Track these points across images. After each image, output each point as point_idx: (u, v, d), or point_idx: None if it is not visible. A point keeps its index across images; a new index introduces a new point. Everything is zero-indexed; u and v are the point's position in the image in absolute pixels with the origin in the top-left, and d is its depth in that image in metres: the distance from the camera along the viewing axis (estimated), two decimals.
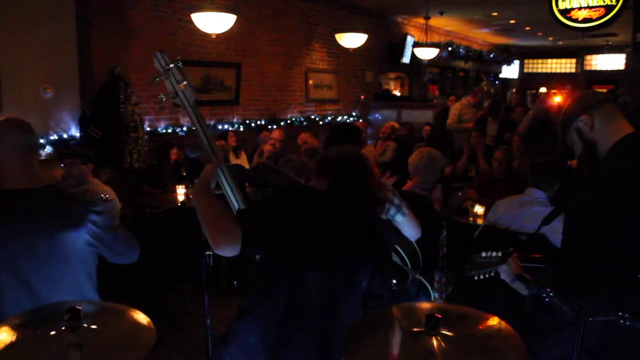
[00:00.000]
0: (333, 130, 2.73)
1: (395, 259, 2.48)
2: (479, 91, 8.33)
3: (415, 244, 2.68)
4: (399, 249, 2.62)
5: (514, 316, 1.84)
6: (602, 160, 1.82)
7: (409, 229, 2.50)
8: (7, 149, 1.88)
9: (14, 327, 1.48)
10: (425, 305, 1.68)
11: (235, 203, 1.83)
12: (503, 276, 1.88)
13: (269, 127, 7.12)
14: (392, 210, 2.41)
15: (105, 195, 2.59)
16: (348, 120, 9.10)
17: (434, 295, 2.67)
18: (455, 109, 8.02)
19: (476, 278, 1.98)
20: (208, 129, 1.82)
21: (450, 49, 11.68)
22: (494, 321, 1.50)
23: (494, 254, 1.98)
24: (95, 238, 1.95)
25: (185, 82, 1.74)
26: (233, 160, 5.61)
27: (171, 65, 1.73)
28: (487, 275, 1.98)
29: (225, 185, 1.82)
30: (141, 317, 1.58)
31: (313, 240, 1.69)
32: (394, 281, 2.55)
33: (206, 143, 1.81)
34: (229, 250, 1.63)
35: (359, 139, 2.69)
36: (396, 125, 7.23)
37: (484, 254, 1.99)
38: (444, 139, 7.83)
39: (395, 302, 2.33)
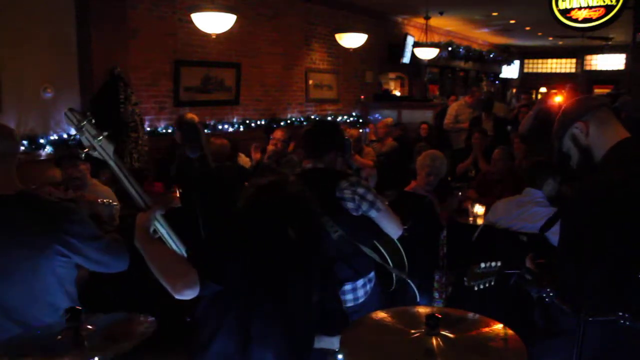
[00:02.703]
0: (307, 134, 2.59)
1: (374, 256, 2.45)
2: (476, 91, 8.32)
3: (397, 243, 2.66)
4: (379, 246, 2.60)
5: (514, 317, 1.84)
6: (598, 166, 1.82)
7: (387, 225, 2.49)
8: None
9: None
10: (425, 308, 1.68)
11: (176, 249, 1.81)
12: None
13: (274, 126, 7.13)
14: (365, 206, 2.40)
15: (108, 200, 2.57)
16: (348, 120, 9.10)
17: (420, 296, 2.65)
18: (452, 109, 8.02)
19: (476, 288, 1.98)
20: (133, 179, 1.76)
21: (450, 49, 11.67)
22: (494, 324, 1.50)
23: (493, 263, 1.99)
24: (68, 248, 1.86)
25: (100, 137, 1.70)
26: (242, 159, 5.58)
27: (84, 123, 1.69)
28: (486, 285, 1.98)
29: (163, 231, 1.80)
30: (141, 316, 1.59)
31: (262, 268, 1.68)
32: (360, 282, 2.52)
33: (134, 193, 1.77)
34: (189, 293, 1.61)
35: (339, 139, 2.57)
36: (389, 121, 7.24)
37: (483, 265, 1.99)
38: (443, 139, 7.84)
39: (384, 305, 2.33)
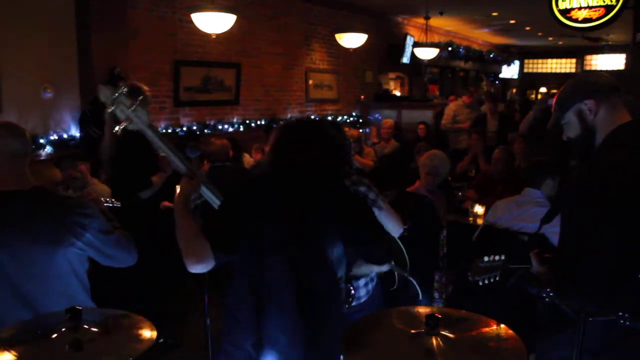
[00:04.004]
0: None
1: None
2: (474, 91, 8.31)
3: (399, 242, 2.66)
4: None
5: (515, 317, 1.84)
6: (597, 151, 1.76)
7: (388, 224, 2.49)
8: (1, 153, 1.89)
9: (15, 332, 1.48)
10: (425, 308, 1.68)
11: None
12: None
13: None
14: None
15: (111, 200, 2.58)
16: (348, 120, 9.09)
17: (422, 295, 2.64)
18: (449, 109, 8.00)
19: (480, 283, 1.95)
20: (172, 144, 1.74)
21: (450, 49, 11.67)
22: (494, 324, 1.50)
23: (497, 257, 1.96)
24: (82, 241, 1.93)
25: (134, 106, 1.66)
26: (246, 160, 5.58)
27: (117, 94, 1.66)
28: (491, 280, 1.95)
29: (209, 194, 1.80)
30: (140, 319, 1.59)
31: (273, 228, 1.70)
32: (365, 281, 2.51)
33: (176, 158, 1.75)
34: (202, 267, 1.65)
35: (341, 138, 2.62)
36: (392, 122, 7.25)
37: (486, 259, 1.96)
38: (443, 139, 7.84)
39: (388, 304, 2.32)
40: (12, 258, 1.84)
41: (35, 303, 1.86)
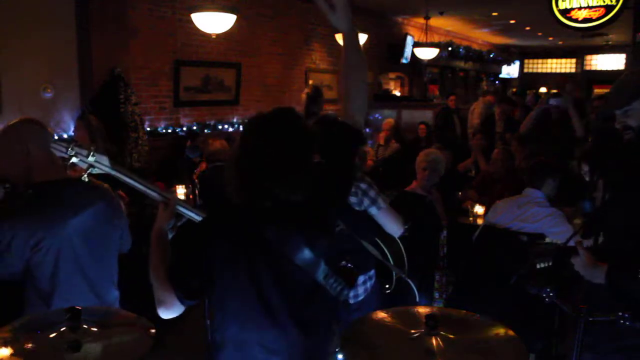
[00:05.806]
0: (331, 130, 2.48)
1: (375, 252, 2.44)
2: (499, 91, 8.29)
3: (399, 242, 2.66)
4: (379, 242, 2.60)
5: (515, 317, 1.83)
6: None
7: (387, 223, 2.48)
8: (42, 145, 1.98)
9: (15, 330, 1.48)
10: (425, 308, 1.68)
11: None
12: (578, 268, 1.77)
13: None
14: (366, 202, 2.40)
15: None
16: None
17: (419, 297, 2.63)
18: (480, 109, 7.96)
19: (538, 266, 1.90)
20: (141, 179, 1.75)
21: (450, 49, 11.67)
22: (494, 324, 1.50)
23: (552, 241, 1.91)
24: (122, 221, 2.13)
25: (91, 153, 1.69)
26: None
27: (71, 147, 1.69)
28: (546, 264, 1.90)
29: (186, 211, 1.78)
30: (141, 319, 1.59)
31: (230, 273, 1.50)
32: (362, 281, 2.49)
33: (150, 191, 1.75)
34: (171, 314, 1.54)
35: (361, 139, 2.60)
36: (392, 122, 7.24)
37: (547, 240, 1.92)
38: (442, 139, 7.82)
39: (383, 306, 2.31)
40: (83, 240, 1.94)
41: (97, 287, 1.98)
